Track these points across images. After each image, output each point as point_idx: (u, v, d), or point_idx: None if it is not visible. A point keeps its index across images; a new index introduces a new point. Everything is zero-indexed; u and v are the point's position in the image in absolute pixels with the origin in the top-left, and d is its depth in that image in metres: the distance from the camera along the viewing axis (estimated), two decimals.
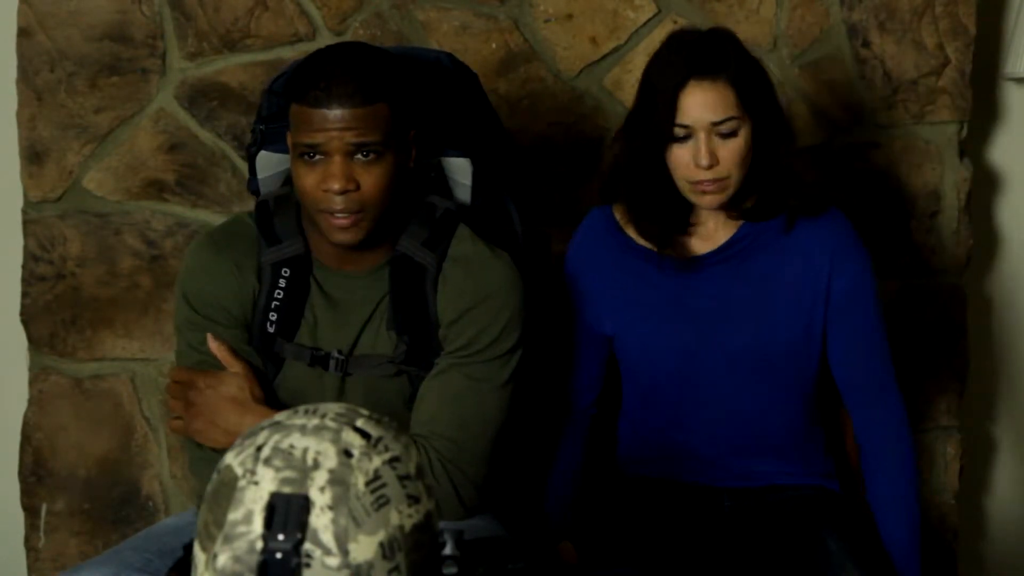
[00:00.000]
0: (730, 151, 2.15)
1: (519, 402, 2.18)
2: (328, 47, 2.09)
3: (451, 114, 2.23)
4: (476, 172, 2.22)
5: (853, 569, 2.17)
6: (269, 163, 2.22)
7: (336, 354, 2.12)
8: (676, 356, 2.26)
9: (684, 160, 2.16)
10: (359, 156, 2.00)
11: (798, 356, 2.27)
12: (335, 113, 1.98)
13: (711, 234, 2.26)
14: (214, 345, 2.12)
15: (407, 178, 2.09)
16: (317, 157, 2.00)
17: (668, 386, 2.28)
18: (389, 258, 2.12)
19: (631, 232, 2.28)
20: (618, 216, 2.30)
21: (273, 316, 2.12)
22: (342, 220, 2.02)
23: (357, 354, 2.12)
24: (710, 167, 2.14)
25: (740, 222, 2.26)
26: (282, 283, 2.12)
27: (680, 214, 2.23)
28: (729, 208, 2.24)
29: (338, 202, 2.00)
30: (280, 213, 2.15)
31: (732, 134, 2.15)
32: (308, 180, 2.02)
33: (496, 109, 2.47)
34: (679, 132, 2.15)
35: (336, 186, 1.99)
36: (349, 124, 1.98)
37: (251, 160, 2.25)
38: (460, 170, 2.22)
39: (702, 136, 2.14)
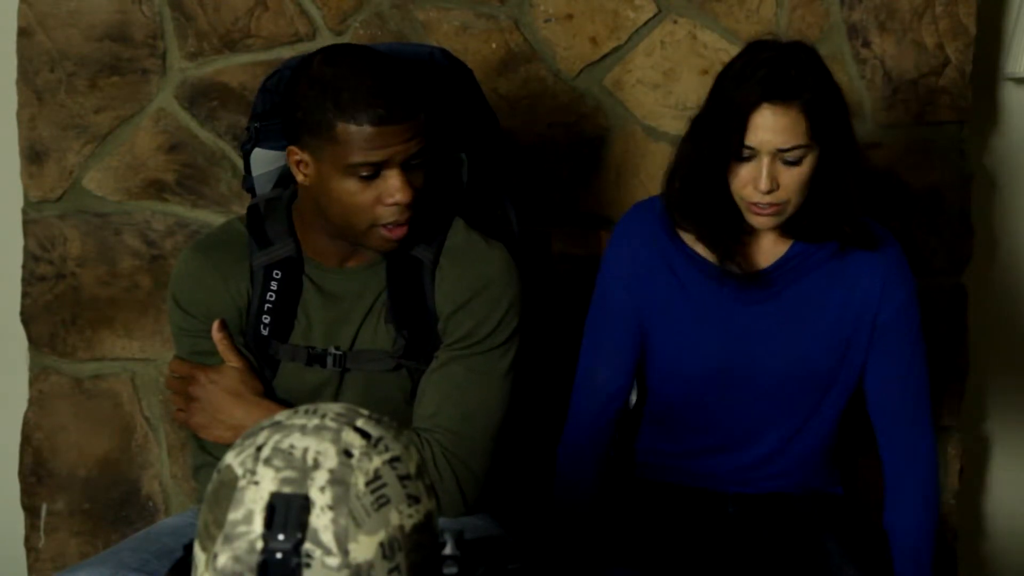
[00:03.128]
0: (792, 178, 2.09)
1: (517, 401, 2.17)
2: (346, 58, 2.04)
3: (446, 110, 2.23)
4: (471, 168, 2.22)
5: (853, 571, 2.16)
6: (264, 160, 2.22)
7: (333, 350, 2.12)
8: (709, 372, 2.22)
9: (745, 180, 2.10)
10: (410, 165, 2.01)
11: (832, 383, 2.24)
12: (397, 128, 1.98)
13: (762, 252, 2.22)
14: (218, 336, 2.13)
15: None
16: (378, 174, 2.00)
17: (695, 399, 2.25)
18: (385, 253, 2.12)
19: (680, 230, 2.23)
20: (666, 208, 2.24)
21: (266, 319, 2.12)
22: (399, 230, 2.03)
23: (356, 349, 2.12)
24: (769, 192, 2.09)
25: (791, 241, 2.21)
26: (274, 285, 2.12)
27: (734, 226, 2.18)
28: (783, 227, 2.19)
29: (400, 212, 2.01)
30: (271, 216, 2.15)
31: (797, 162, 2.08)
32: (362, 197, 2.01)
33: (496, 109, 2.47)
34: (745, 152, 2.09)
35: (402, 198, 2.00)
36: (408, 136, 1.99)
37: (246, 158, 2.25)
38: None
39: (766, 160, 2.07)
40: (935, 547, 2.25)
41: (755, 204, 2.11)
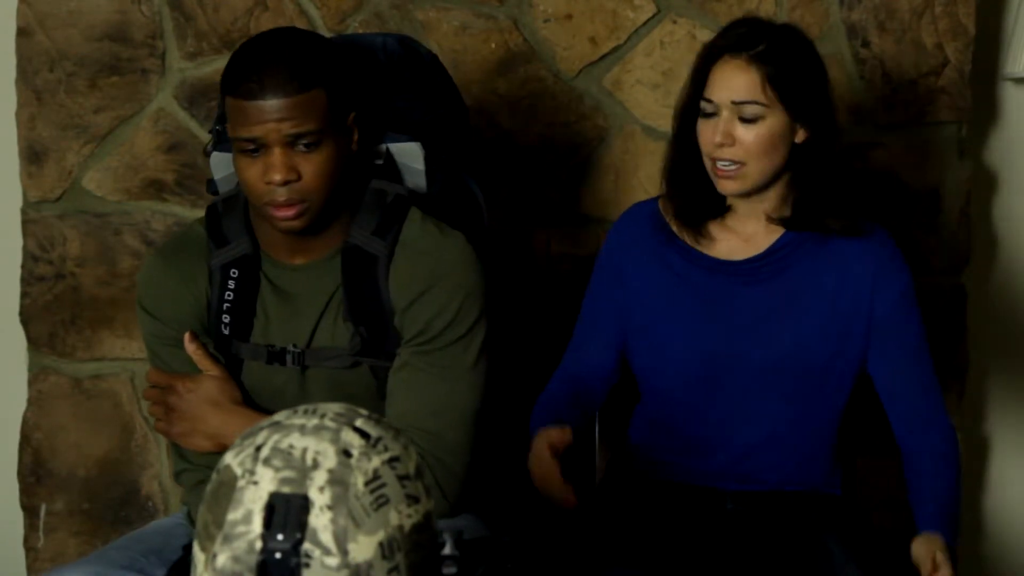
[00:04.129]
0: (750, 136, 2.13)
1: (503, 399, 2.16)
2: (259, 35, 2.06)
3: (397, 99, 2.21)
4: (428, 156, 2.19)
5: (855, 571, 2.16)
6: (224, 163, 2.20)
7: (292, 348, 2.11)
8: (702, 361, 2.23)
9: (705, 136, 2.16)
10: (299, 146, 1.98)
11: (829, 373, 2.24)
12: (270, 104, 1.95)
13: (751, 240, 2.24)
14: (191, 347, 2.11)
15: (350, 162, 2.07)
16: (257, 150, 1.98)
17: (689, 389, 2.25)
18: (340, 248, 2.10)
19: (674, 226, 2.27)
20: (662, 208, 2.29)
21: (226, 318, 2.11)
22: (287, 211, 2.00)
23: (315, 347, 2.10)
24: (721, 145, 2.13)
25: (781, 231, 2.23)
26: (231, 284, 2.11)
27: (712, 202, 2.22)
28: (767, 210, 2.22)
29: (281, 193, 1.98)
30: (228, 214, 2.13)
31: (755, 119, 2.13)
32: (250, 173, 2.00)
33: (495, 109, 2.47)
34: (705, 107, 2.15)
35: (277, 177, 1.97)
36: (285, 114, 1.96)
37: (208, 159, 2.24)
38: (410, 155, 2.19)
39: (725, 114, 2.13)
40: (958, 517, 2.23)
41: (715, 163, 2.16)
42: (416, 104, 2.22)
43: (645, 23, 2.71)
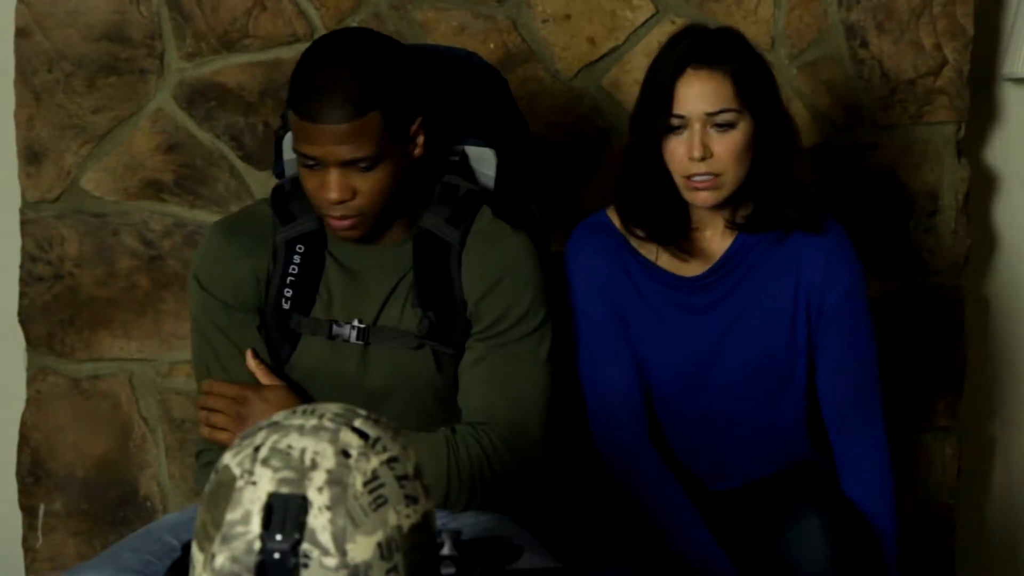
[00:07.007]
0: (726, 145, 2.11)
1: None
2: (323, 46, 2.05)
3: (476, 106, 2.25)
4: (500, 163, 2.23)
5: (814, 515, 2.12)
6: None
7: (356, 323, 2.12)
8: (674, 378, 2.23)
9: (678, 153, 2.13)
10: (356, 166, 2.01)
11: (799, 372, 2.24)
12: (329, 128, 1.97)
13: (706, 248, 2.23)
14: (253, 363, 2.13)
15: (412, 166, 2.09)
16: (316, 165, 2.01)
17: (663, 404, 2.26)
18: (411, 234, 2.13)
19: (633, 240, 2.24)
20: (615, 221, 2.26)
21: (288, 292, 2.13)
22: (343, 222, 2.05)
23: (379, 326, 2.12)
24: (702, 159, 2.10)
25: (735, 234, 2.22)
26: (296, 259, 2.13)
27: (678, 219, 2.20)
28: (727, 216, 2.21)
29: (337, 209, 2.03)
30: (295, 194, 2.16)
31: (729, 127, 2.11)
32: (310, 183, 2.04)
33: None
34: (674, 122, 2.12)
35: (333, 196, 2.01)
36: (342, 139, 1.98)
37: (277, 144, 2.26)
38: (484, 160, 2.23)
39: (696, 127, 2.11)
40: (898, 530, 2.23)
41: (691, 178, 2.13)
42: (492, 115, 2.27)
43: (644, 23, 2.71)
